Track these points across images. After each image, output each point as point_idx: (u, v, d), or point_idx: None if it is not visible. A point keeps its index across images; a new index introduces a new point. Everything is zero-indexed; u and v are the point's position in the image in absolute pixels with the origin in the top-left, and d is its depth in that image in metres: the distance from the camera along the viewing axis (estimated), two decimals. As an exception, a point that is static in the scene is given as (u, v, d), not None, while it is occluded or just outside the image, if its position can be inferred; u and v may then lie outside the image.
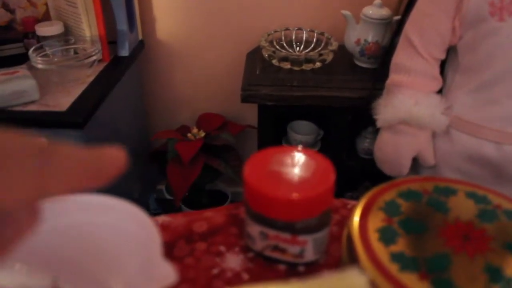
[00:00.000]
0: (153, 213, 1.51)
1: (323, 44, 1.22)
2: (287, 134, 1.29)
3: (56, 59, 1.06)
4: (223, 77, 1.43)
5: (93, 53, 1.05)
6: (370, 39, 1.13)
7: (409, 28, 0.84)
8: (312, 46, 1.25)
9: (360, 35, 1.14)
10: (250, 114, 1.43)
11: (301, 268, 0.40)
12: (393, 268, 0.31)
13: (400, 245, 0.33)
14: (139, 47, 1.31)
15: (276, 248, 0.39)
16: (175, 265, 0.29)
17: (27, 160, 0.14)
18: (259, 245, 0.40)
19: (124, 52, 1.21)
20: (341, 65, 1.19)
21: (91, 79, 1.07)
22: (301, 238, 0.38)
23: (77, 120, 0.92)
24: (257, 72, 1.15)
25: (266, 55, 1.17)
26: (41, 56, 1.04)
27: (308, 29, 1.27)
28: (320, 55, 1.14)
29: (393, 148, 0.88)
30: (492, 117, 0.78)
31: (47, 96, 0.98)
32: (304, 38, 1.27)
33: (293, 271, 0.40)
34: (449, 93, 0.85)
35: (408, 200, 0.38)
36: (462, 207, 0.37)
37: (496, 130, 0.78)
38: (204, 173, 1.24)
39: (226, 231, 0.44)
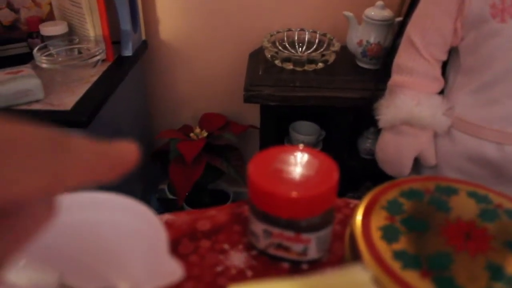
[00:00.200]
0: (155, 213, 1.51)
1: (325, 45, 1.23)
2: (289, 134, 1.29)
3: (60, 59, 1.06)
4: (226, 77, 1.43)
5: (97, 53, 1.05)
6: (372, 40, 1.13)
7: (411, 30, 0.84)
8: (314, 47, 1.26)
9: (362, 36, 1.14)
10: (252, 114, 1.43)
11: (305, 266, 0.40)
12: (395, 266, 0.32)
13: (402, 243, 0.34)
14: (143, 47, 1.31)
15: (279, 246, 0.39)
16: (180, 263, 0.30)
17: (44, 150, 0.14)
18: (263, 243, 0.40)
19: (128, 52, 1.22)
20: (343, 66, 1.20)
21: (95, 78, 1.08)
22: (305, 236, 0.38)
23: (81, 119, 0.93)
24: (260, 73, 1.16)
25: (269, 55, 1.18)
26: (45, 56, 1.04)
27: (311, 30, 1.27)
28: (323, 55, 1.15)
29: (394, 148, 0.88)
30: (493, 118, 0.79)
31: (52, 96, 0.99)
32: (306, 39, 1.28)
33: (296, 269, 0.40)
34: (451, 94, 0.85)
35: (410, 199, 0.38)
36: (464, 207, 0.37)
37: (497, 131, 0.78)
38: (206, 172, 1.25)
39: (229, 229, 0.45)
